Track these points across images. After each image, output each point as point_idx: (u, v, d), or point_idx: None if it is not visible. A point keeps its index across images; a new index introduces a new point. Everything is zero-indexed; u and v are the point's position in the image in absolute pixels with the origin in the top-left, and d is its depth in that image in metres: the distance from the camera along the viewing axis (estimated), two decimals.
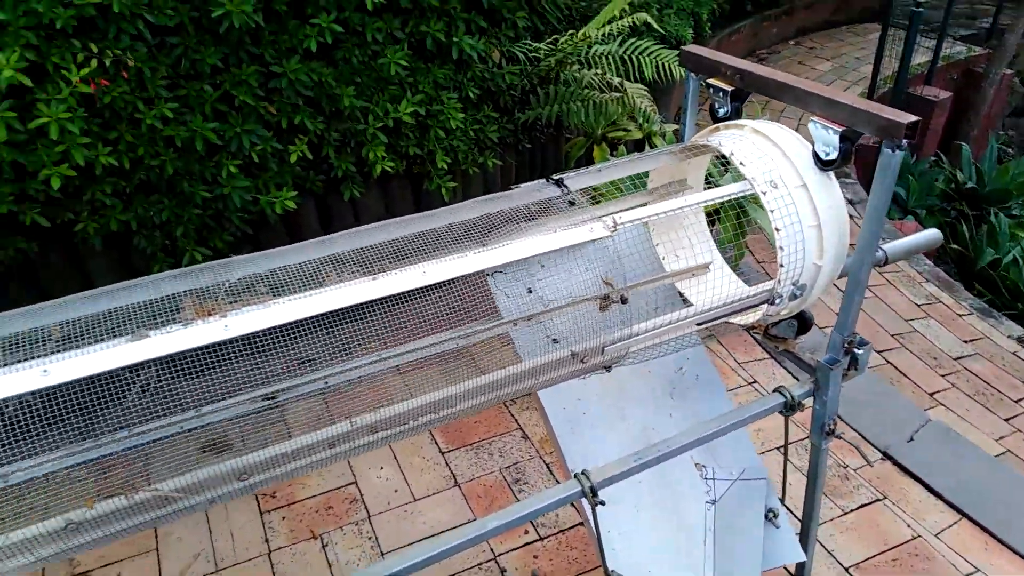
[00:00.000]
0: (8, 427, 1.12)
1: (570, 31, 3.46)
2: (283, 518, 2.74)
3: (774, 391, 1.65)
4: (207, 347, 1.21)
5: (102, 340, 1.13)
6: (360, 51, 2.81)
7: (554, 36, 3.50)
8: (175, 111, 2.46)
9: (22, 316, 1.29)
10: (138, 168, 2.49)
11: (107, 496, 1.16)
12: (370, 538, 2.66)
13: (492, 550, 2.62)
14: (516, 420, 3.18)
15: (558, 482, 2.87)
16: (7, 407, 1.13)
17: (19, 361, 1.14)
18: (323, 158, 2.97)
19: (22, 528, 1.11)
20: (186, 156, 2.57)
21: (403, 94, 2.98)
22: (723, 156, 1.53)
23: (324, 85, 2.75)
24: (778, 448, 3.02)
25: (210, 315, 1.22)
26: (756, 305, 1.49)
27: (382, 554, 2.61)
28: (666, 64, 3.46)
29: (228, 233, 2.84)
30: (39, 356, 1.13)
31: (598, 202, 1.55)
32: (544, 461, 2.97)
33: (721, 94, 1.62)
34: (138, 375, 1.13)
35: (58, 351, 1.14)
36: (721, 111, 1.62)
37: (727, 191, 1.49)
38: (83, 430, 1.12)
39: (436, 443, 3.07)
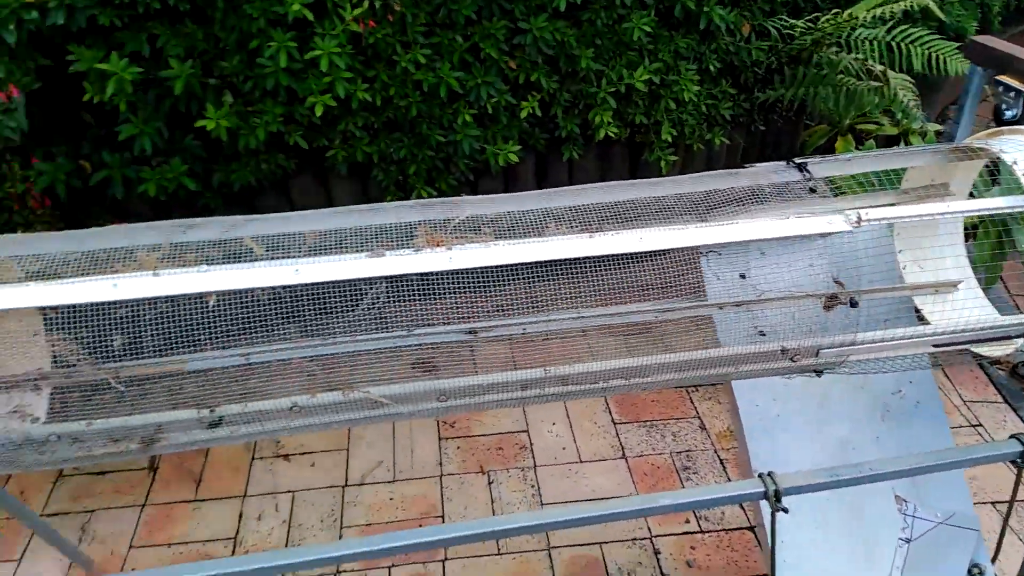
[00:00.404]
0: (257, 314, 1.29)
1: (834, 10, 3.19)
2: (457, 448, 2.91)
3: (1010, 437, 1.45)
4: (430, 274, 1.30)
5: (346, 252, 1.26)
6: (606, 13, 2.81)
7: (815, 14, 3.25)
8: (427, 57, 2.63)
9: (280, 220, 1.46)
10: (387, 107, 2.71)
11: (328, 389, 1.30)
12: (533, 486, 2.75)
13: (650, 529, 2.60)
14: (695, 407, 3.10)
15: (730, 480, 2.77)
16: (262, 296, 1.29)
17: (278, 258, 1.30)
18: (550, 117, 3.03)
19: (258, 401, 1.28)
20: (429, 100, 2.74)
21: (640, 61, 2.94)
22: (995, 163, 1.35)
23: (565, 45, 2.79)
24: (993, 503, 2.67)
25: (438, 246, 1.30)
26: (1010, 338, 1.31)
27: (541, 503, 2.70)
28: (940, 56, 3.08)
29: (453, 177, 3.01)
30: (294, 256, 1.28)
31: (841, 194, 1.43)
32: (719, 456, 2.88)
33: (1012, 94, 1.42)
34: (371, 287, 1.25)
35: (309, 255, 1.29)
36: (1009, 113, 1.43)
37: (998, 203, 1.31)
38: (319, 328, 1.27)
39: (610, 412, 3.08)
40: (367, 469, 2.83)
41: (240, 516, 2.65)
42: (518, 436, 2.96)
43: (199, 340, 1.20)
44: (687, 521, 2.62)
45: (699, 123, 3.19)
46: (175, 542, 2.56)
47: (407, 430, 2.98)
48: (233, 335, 1.21)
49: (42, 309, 1.19)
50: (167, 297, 1.17)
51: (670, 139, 3.11)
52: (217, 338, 1.20)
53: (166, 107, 2.49)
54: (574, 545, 2.55)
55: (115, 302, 1.16)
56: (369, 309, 1.26)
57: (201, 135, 2.60)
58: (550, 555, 2.53)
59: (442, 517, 2.64)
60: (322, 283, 1.21)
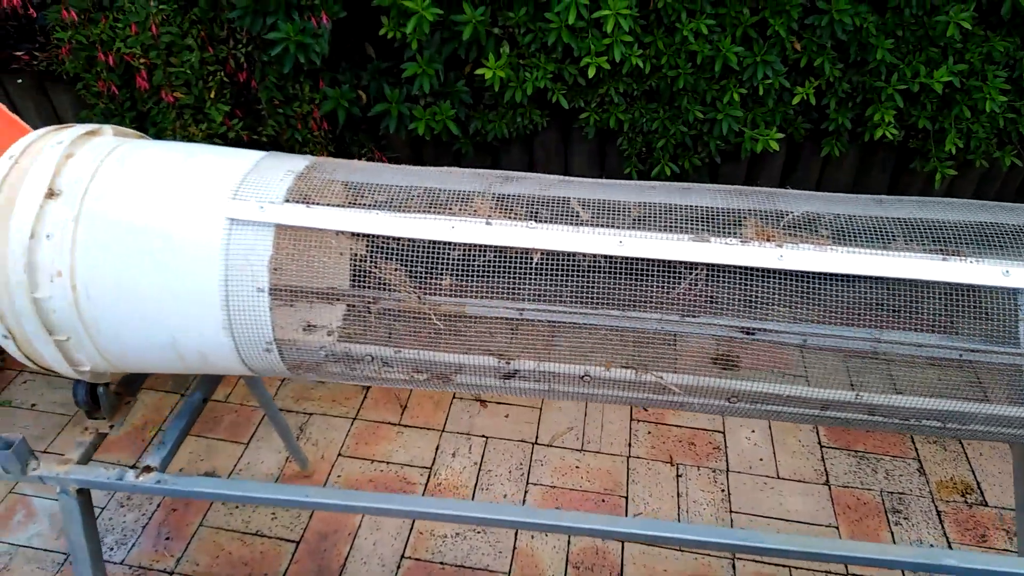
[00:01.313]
0: (573, 277, 1.26)
1: None
2: (648, 433, 2.86)
3: None
4: (754, 270, 1.21)
5: (667, 231, 1.20)
6: (917, 3, 2.49)
7: None
8: (710, 28, 2.47)
9: (601, 187, 1.41)
10: (654, 75, 2.59)
11: (623, 366, 1.27)
12: (723, 490, 2.66)
13: (846, 566, 2.44)
14: (916, 448, 2.83)
15: (948, 541, 2.52)
16: (582, 261, 1.25)
17: (602, 226, 1.25)
18: (821, 106, 2.78)
19: (553, 363, 1.27)
20: (698, 73, 2.59)
21: (942, 60, 2.60)
22: None
23: (862, 32, 2.52)
24: None
25: (768, 240, 1.21)
26: None
27: (731, 511, 2.60)
28: None
29: (698, 157, 2.86)
30: (617, 227, 1.24)
31: None
32: (936, 507, 2.62)
33: None
34: (690, 271, 1.19)
35: (631, 227, 1.24)
36: None
37: None
38: (626, 300, 1.23)
39: (817, 432, 2.89)
40: (557, 432, 2.86)
41: (437, 449, 2.78)
42: (712, 435, 2.86)
43: (515, 291, 1.21)
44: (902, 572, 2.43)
45: (990, 137, 2.80)
46: (378, 459, 2.73)
47: (599, 404, 2.96)
48: (546, 293, 1.21)
49: (375, 236, 1.24)
50: (496, 247, 1.19)
51: (953, 151, 2.76)
52: (531, 292, 1.20)
53: (448, 50, 2.52)
54: (760, 562, 2.45)
55: (449, 243, 1.19)
56: (687, 293, 1.21)
57: (468, 82, 2.63)
58: (734, 565, 2.45)
59: (625, 499, 2.62)
60: (641, 259, 1.18)
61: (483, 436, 2.83)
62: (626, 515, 2.57)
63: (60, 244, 1.25)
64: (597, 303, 1.21)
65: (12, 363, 3.00)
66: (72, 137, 1.35)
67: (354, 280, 1.25)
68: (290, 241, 1.25)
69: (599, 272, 1.20)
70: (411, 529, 2.49)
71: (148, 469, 1.49)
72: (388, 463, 2.72)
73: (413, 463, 2.73)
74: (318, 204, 1.25)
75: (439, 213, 1.22)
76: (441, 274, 1.21)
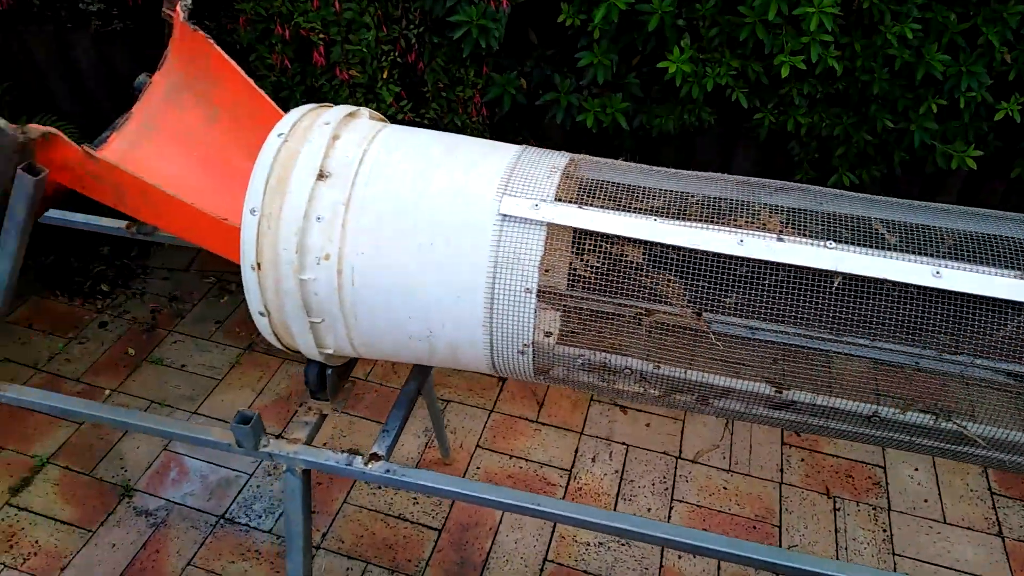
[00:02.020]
0: (878, 308, 1.14)
1: None
2: (802, 460, 2.70)
3: None
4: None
5: (988, 264, 1.08)
6: None
7: None
8: (914, 32, 2.29)
9: (901, 208, 1.29)
10: (845, 78, 2.43)
11: (922, 410, 1.15)
12: (885, 530, 2.47)
13: None
14: None
15: None
16: (891, 290, 1.14)
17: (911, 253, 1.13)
18: (1019, 124, 2.55)
19: (835, 398, 1.17)
20: (893, 80, 2.42)
21: None
22: None
23: None
24: None
25: None
26: None
27: (893, 553, 2.42)
28: None
29: (877, 168, 2.68)
30: (930, 255, 1.12)
31: None
32: None
33: None
34: (1017, 313, 1.06)
35: (947, 256, 1.12)
36: None
37: None
38: (939, 342, 1.10)
39: (987, 477, 2.66)
40: (703, 449, 2.73)
41: (576, 451, 2.70)
42: (872, 469, 2.67)
43: (806, 316, 1.11)
44: None
45: None
46: (516, 455, 2.68)
47: (746, 422, 2.82)
48: (842, 321, 1.10)
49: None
50: (790, 266, 1.09)
51: None
52: (825, 319, 1.10)
53: (625, 41, 2.45)
54: None
55: (736, 258, 1.11)
56: (1010, 337, 1.08)
57: (638, 73, 2.54)
58: None
59: (779, 528, 2.47)
60: (958, 293, 1.05)
61: (624, 443, 2.74)
62: (780, 545, 2.42)
63: (330, 227, 1.24)
64: (901, 339, 1.10)
65: (163, 323, 3.11)
66: (337, 119, 1.34)
67: (622, 289, 1.18)
68: (559, 242, 1.19)
69: (907, 304, 1.08)
70: (553, 532, 2.42)
71: (375, 457, 1.46)
72: (527, 460, 2.66)
73: (552, 463, 2.66)
74: (591, 206, 1.19)
75: (723, 225, 1.14)
76: (724, 291, 1.12)
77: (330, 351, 1.38)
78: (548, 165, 1.27)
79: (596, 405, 2.88)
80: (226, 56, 1.55)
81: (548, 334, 1.23)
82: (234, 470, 2.57)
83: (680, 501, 2.55)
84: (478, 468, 2.63)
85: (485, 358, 1.29)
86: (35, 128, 1.31)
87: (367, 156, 1.28)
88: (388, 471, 1.43)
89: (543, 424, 2.80)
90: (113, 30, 3.04)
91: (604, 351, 1.21)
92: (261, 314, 1.31)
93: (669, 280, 1.14)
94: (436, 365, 1.42)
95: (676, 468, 2.66)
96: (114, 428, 2.65)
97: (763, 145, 2.78)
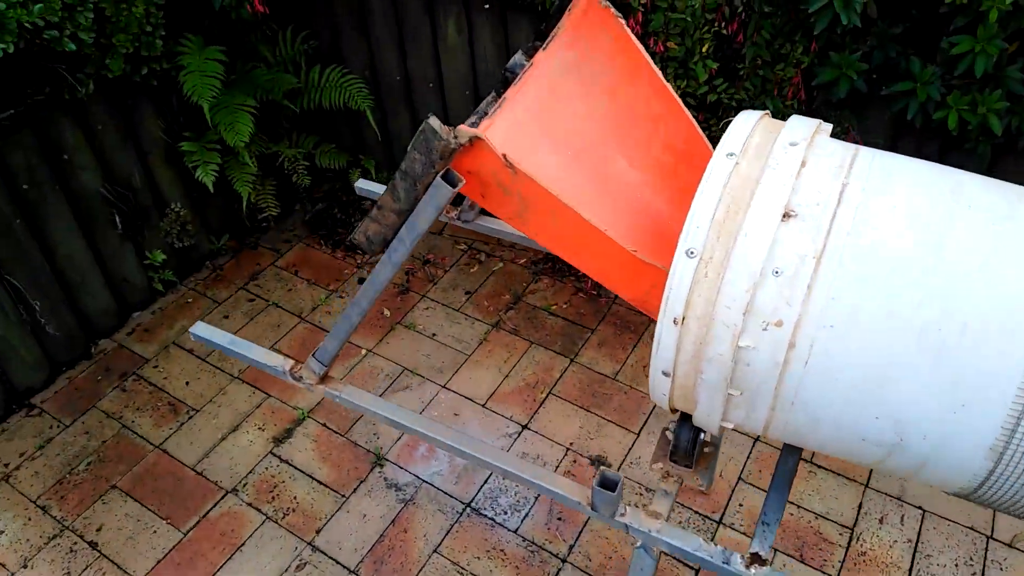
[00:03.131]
0: None
1: None
2: None
3: None
4: None
5: None
6: None
7: None
8: None
9: None
10: None
11: None
12: None
13: None
14: None
15: None
16: None
17: None
18: None
19: None
20: None
21: None
22: None
23: None
24: None
25: None
26: None
27: None
28: None
29: None
30: None
31: None
32: None
33: None
34: None
35: None
36: None
37: None
38: None
39: None
40: (1021, 532, 2.22)
41: (860, 508, 2.31)
42: None
43: None
44: None
45: None
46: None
47: None
48: None
49: None
50: None
51: None
52: None
53: (1015, 25, 1.92)
54: None
55: None
56: None
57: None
58: None
59: None
60: None
61: (919, 508, 2.30)
62: None
63: (790, 286, 0.97)
64: None
65: (415, 286, 3.08)
66: (804, 137, 1.05)
67: None
68: None
69: None
70: None
71: (758, 559, 1.22)
72: (799, 507, 2.32)
73: (830, 516, 2.29)
74: None
75: None
76: None
77: (730, 426, 1.13)
78: None
79: None
80: (635, 41, 1.30)
81: None
82: None
83: None
84: (740, 505, 2.33)
85: (970, 483, 0.97)
86: (465, 131, 1.13)
87: (847, 193, 0.98)
88: None
89: (819, 467, 2.42)
90: None
91: None
92: (665, 374, 1.08)
93: None
94: (880, 470, 1.11)
95: (987, 550, 2.19)
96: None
97: None
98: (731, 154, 1.00)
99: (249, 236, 3.32)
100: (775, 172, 0.97)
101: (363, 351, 2.84)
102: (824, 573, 2.17)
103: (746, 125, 1.05)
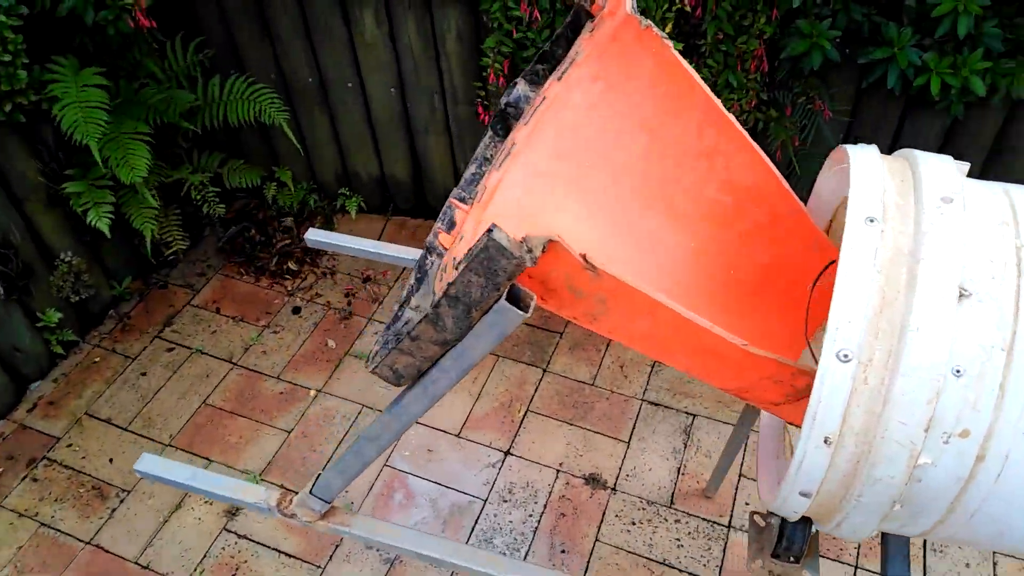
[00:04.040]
0: None
1: None
2: None
3: None
4: None
5: None
6: None
7: None
8: None
9: None
10: None
11: None
12: None
13: None
14: None
15: None
16: None
17: None
18: None
19: None
20: None
21: None
22: None
23: None
24: None
25: None
26: None
27: None
28: None
29: None
30: None
31: None
32: None
33: None
34: None
35: None
36: None
37: None
38: None
39: None
40: None
41: None
42: None
43: None
44: None
45: None
46: None
47: None
48: None
49: None
50: None
51: None
52: None
53: None
54: None
55: None
56: None
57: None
58: None
59: None
60: None
61: None
62: None
63: (977, 388, 0.78)
64: None
65: (359, 309, 2.79)
66: (957, 190, 0.84)
67: None
68: None
69: None
70: None
71: None
72: None
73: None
74: None
75: None
76: None
77: (841, 529, 0.95)
78: None
79: None
80: (684, 63, 1.05)
81: None
82: (466, 494, 2.25)
83: None
84: (746, 504, 2.22)
85: None
86: (535, 239, 0.82)
87: None
88: None
89: None
90: None
91: None
92: (804, 495, 0.89)
93: None
94: None
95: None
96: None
97: None
98: (872, 220, 0.81)
99: (156, 274, 2.91)
100: (935, 240, 0.79)
101: (312, 392, 2.54)
102: (841, 562, 2.10)
103: (871, 173, 0.86)
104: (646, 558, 2.10)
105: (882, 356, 0.78)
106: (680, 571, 2.07)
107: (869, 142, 2.44)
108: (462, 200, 1.15)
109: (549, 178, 1.07)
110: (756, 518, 1.18)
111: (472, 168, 1.16)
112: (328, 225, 3.08)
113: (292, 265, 2.93)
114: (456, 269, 0.83)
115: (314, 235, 1.74)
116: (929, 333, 0.77)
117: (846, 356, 0.79)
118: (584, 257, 0.81)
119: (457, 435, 2.41)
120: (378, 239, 3.02)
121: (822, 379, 0.80)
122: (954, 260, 0.78)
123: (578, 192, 1.09)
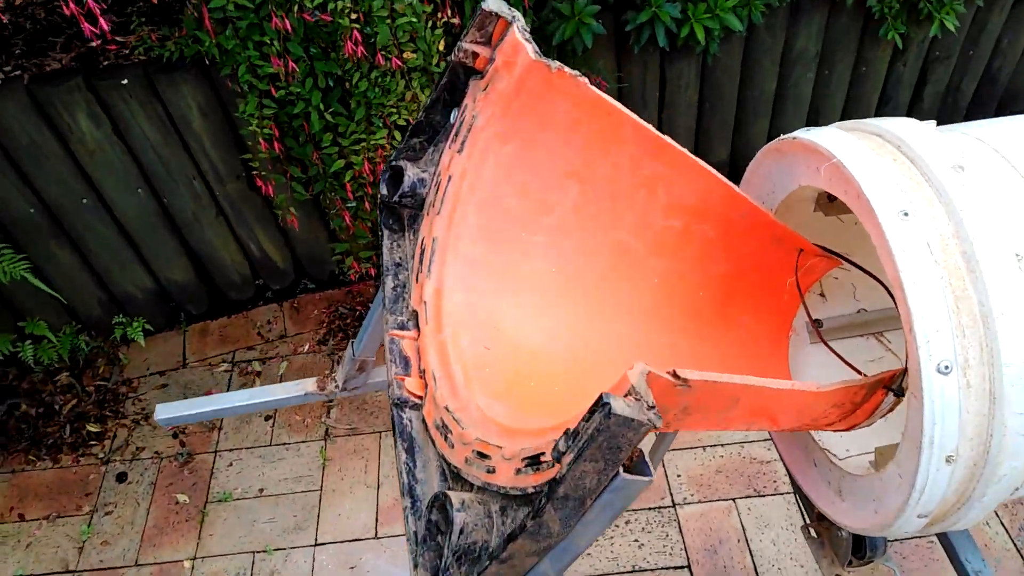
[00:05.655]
0: None
1: None
2: None
3: None
4: None
5: None
6: None
7: None
8: None
9: None
10: None
11: None
12: None
13: None
14: None
15: None
16: None
17: None
18: None
19: None
20: None
21: None
22: None
23: None
24: None
25: None
26: None
27: None
28: None
29: None
30: None
31: None
32: None
33: None
34: None
35: None
36: None
37: None
38: None
39: None
40: None
41: None
42: None
43: None
44: None
45: None
46: None
47: None
48: None
49: None
50: None
51: None
52: None
53: None
54: None
55: None
56: None
57: None
58: None
59: None
60: None
61: None
62: None
63: None
64: None
65: (197, 444, 2.38)
66: (961, 154, 0.80)
67: None
68: None
69: None
70: None
71: None
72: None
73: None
74: None
75: None
76: None
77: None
78: None
79: None
80: (610, 101, 0.90)
81: None
82: None
83: None
84: (678, 477, 2.24)
85: None
86: (637, 383, 0.66)
87: None
88: None
89: None
90: None
91: None
92: (922, 517, 0.81)
93: None
94: None
95: None
96: None
97: None
98: (906, 213, 0.75)
99: None
100: (974, 214, 0.75)
101: (186, 563, 2.13)
102: None
103: (871, 164, 0.79)
104: (617, 573, 2.04)
105: (976, 353, 0.75)
106: (653, 571, 2.04)
107: (642, 100, 2.52)
108: (401, 327, 0.94)
109: (486, 267, 0.91)
110: (809, 530, 1.13)
111: (389, 282, 0.96)
112: (114, 363, 2.58)
113: (92, 427, 2.41)
114: (557, 462, 0.67)
115: (165, 411, 1.39)
116: (1015, 314, 0.74)
117: (947, 367, 0.74)
118: (675, 373, 0.68)
119: (376, 537, 2.16)
120: (182, 360, 2.58)
121: (931, 400, 0.75)
122: (1002, 228, 0.76)
123: (523, 272, 0.94)
